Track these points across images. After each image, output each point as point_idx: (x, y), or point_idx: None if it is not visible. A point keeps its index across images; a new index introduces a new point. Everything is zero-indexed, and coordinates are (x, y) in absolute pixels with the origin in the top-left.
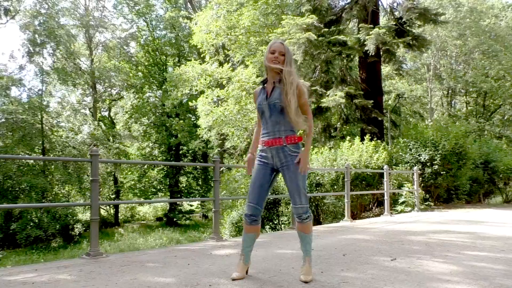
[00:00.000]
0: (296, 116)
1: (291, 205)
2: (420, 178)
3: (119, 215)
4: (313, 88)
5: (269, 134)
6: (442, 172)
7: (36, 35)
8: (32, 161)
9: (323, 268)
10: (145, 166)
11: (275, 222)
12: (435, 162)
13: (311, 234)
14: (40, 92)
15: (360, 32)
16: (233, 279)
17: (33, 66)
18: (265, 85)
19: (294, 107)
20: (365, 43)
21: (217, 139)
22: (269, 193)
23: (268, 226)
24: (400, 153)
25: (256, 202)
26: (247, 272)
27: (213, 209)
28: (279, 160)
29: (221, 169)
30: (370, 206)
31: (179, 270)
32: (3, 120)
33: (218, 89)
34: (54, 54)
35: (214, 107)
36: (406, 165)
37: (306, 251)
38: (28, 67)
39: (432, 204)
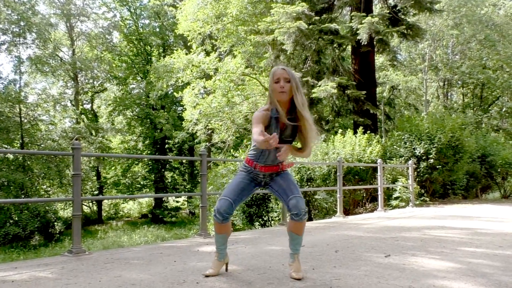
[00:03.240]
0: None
1: (286, 201)
2: (415, 173)
3: (103, 212)
4: (304, 79)
5: (266, 163)
6: (437, 166)
7: (13, 26)
8: (10, 155)
9: (314, 265)
10: (129, 161)
11: (265, 219)
12: (431, 156)
13: (303, 235)
14: (16, 83)
15: (352, 21)
16: (206, 276)
17: (6, 55)
18: (277, 116)
19: (312, 144)
20: (357, 32)
21: (204, 133)
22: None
23: (257, 223)
24: (394, 146)
25: (233, 199)
26: (226, 269)
27: (200, 205)
28: (270, 178)
29: (209, 163)
30: (363, 201)
31: (165, 267)
32: None
33: (205, 80)
34: (31, 44)
35: (201, 99)
36: (400, 159)
37: (295, 249)
38: (4, 57)
39: (427, 199)
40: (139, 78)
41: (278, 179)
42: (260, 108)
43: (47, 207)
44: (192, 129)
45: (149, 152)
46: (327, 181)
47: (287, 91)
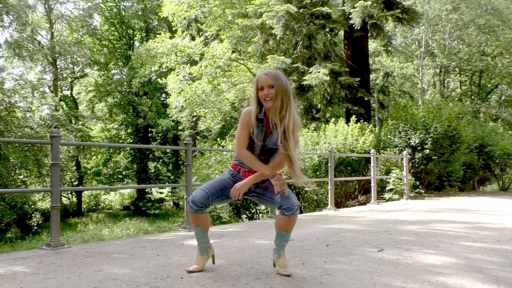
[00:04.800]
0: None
1: (274, 199)
2: (410, 164)
3: (82, 203)
4: (294, 65)
5: (251, 170)
6: (433, 157)
7: None
8: None
9: (304, 260)
10: (111, 150)
11: (252, 211)
12: (426, 146)
13: (291, 232)
14: None
15: (345, 4)
16: (189, 272)
17: None
18: (262, 118)
19: (293, 146)
20: (350, 16)
21: (189, 120)
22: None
23: (244, 215)
24: (389, 136)
25: (211, 192)
26: (213, 262)
27: (185, 196)
28: (255, 185)
29: (194, 153)
30: (356, 193)
31: (148, 262)
32: None
33: (190, 66)
34: (8, 27)
35: (186, 85)
36: (394, 149)
37: (282, 246)
38: None
39: (422, 191)
40: (121, 64)
41: (262, 185)
42: (250, 108)
43: (24, 198)
44: (177, 117)
45: (131, 141)
46: (318, 172)
47: (273, 97)
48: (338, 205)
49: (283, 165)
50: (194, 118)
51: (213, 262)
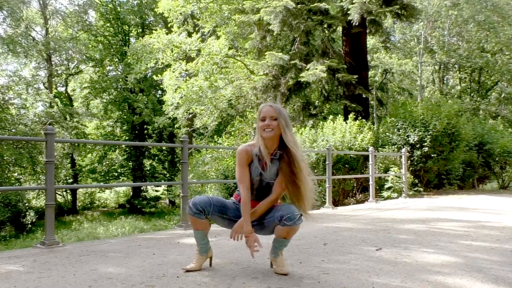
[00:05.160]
0: (305, 200)
1: (274, 215)
2: (409, 162)
3: (77, 201)
4: (291, 61)
5: (253, 199)
6: (432, 155)
7: None
8: None
9: (302, 259)
10: (106, 147)
11: None
12: (425, 143)
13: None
14: None
15: (343, 0)
16: (185, 271)
17: None
18: (260, 152)
19: (309, 189)
20: (348, 12)
21: (185, 117)
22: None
23: None
24: (387, 133)
25: (213, 202)
26: (211, 264)
27: (181, 194)
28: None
29: (190, 150)
30: (354, 192)
31: (144, 261)
32: None
33: (186, 62)
34: (2, 22)
35: (182, 82)
36: (393, 147)
37: (280, 248)
38: None
39: (421, 189)
40: (116, 60)
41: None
42: (247, 143)
43: (18, 196)
44: (173, 114)
45: (127, 138)
46: (316, 170)
47: (274, 128)
48: (336, 203)
49: (276, 202)
50: (190, 115)
51: (210, 264)
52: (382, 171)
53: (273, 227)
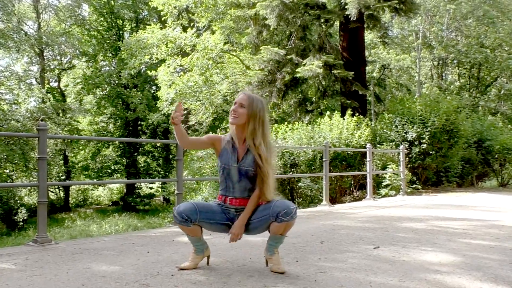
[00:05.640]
0: (271, 190)
1: (268, 212)
2: (407, 159)
3: (70, 198)
4: (288, 56)
5: (235, 195)
6: (431, 152)
7: None
8: None
9: (298, 257)
10: (99, 144)
11: None
12: (424, 140)
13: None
14: None
15: None
16: (180, 269)
17: None
18: (233, 141)
19: (271, 180)
20: (346, 6)
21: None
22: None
23: None
24: (385, 130)
25: (199, 209)
26: (208, 263)
27: (175, 191)
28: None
29: None
30: (351, 189)
31: (138, 259)
32: None
33: (181, 57)
34: None
35: (177, 77)
36: (391, 143)
37: (276, 245)
38: None
39: (419, 187)
40: (110, 55)
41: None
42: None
43: (10, 193)
44: (167, 110)
45: (120, 134)
46: (312, 167)
47: (239, 115)
48: (333, 201)
49: (262, 195)
50: (185, 112)
51: (207, 263)
52: (379, 168)
53: (267, 225)
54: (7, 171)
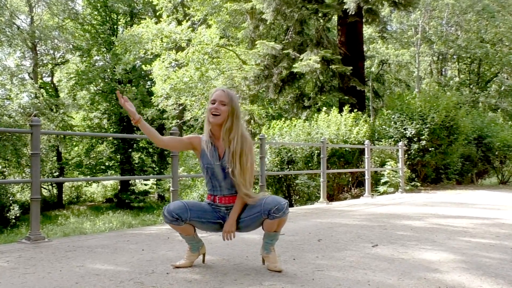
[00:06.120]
0: (247, 184)
1: (259, 209)
2: (406, 155)
3: (63, 195)
4: (285, 51)
5: (223, 192)
6: (430, 149)
7: None
8: None
9: (295, 255)
10: (93, 140)
11: None
12: (423, 137)
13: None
14: None
15: None
16: (175, 267)
17: None
18: (212, 139)
19: (239, 172)
20: (344, 0)
21: (175, 109)
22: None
23: None
24: (383, 126)
25: (189, 207)
26: (203, 261)
27: (171, 188)
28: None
29: None
30: (349, 186)
31: (132, 257)
32: None
33: (176, 52)
34: None
35: (172, 72)
36: (389, 140)
37: (271, 243)
38: None
39: (418, 184)
40: (104, 50)
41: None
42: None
43: (2, 190)
44: (163, 105)
45: (114, 130)
46: (310, 164)
47: (221, 113)
48: (330, 198)
49: (249, 191)
50: (180, 107)
51: (203, 261)
52: (378, 165)
53: (260, 223)
54: (0, 167)
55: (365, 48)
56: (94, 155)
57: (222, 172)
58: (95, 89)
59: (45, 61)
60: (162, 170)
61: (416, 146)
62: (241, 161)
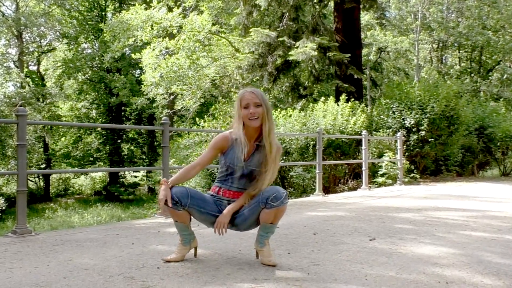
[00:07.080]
0: (267, 183)
1: (258, 199)
2: (404, 146)
3: (51, 188)
4: (279, 39)
5: (231, 188)
6: (430, 139)
7: None
8: None
9: (290, 249)
10: (81, 130)
11: None
12: (422, 127)
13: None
14: None
15: None
16: (166, 261)
17: None
18: (240, 139)
19: (270, 178)
20: None
21: (165, 98)
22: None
23: None
24: (382, 116)
25: (192, 194)
26: (195, 255)
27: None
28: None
29: (171, 133)
30: (346, 178)
31: (122, 250)
32: None
33: (167, 39)
34: None
35: (162, 60)
36: (388, 130)
37: (267, 236)
38: None
39: (417, 176)
40: (91, 37)
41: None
42: (226, 133)
43: None
44: (152, 94)
45: (103, 120)
46: (305, 155)
47: (259, 116)
48: (326, 190)
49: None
50: (171, 97)
51: (195, 255)
52: (376, 156)
53: (257, 216)
54: None
55: (362, 35)
56: (82, 146)
57: (242, 172)
58: (83, 78)
59: (31, 49)
60: (152, 162)
61: (415, 136)
62: (275, 164)
